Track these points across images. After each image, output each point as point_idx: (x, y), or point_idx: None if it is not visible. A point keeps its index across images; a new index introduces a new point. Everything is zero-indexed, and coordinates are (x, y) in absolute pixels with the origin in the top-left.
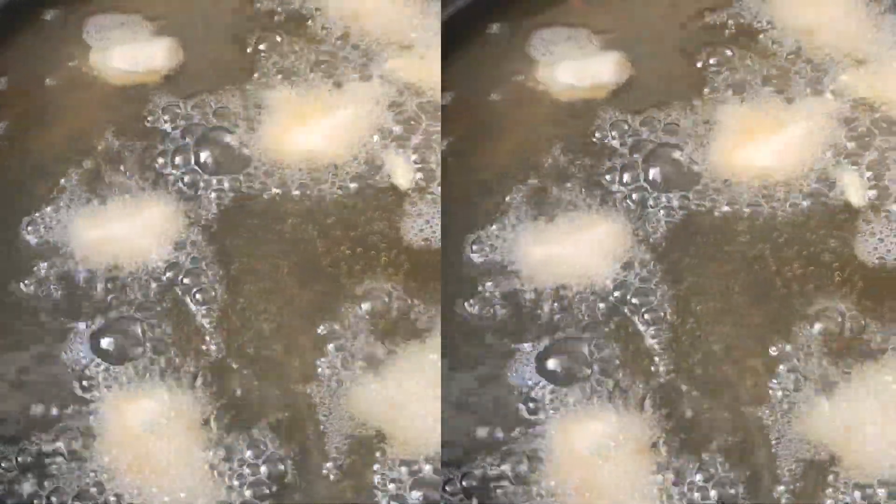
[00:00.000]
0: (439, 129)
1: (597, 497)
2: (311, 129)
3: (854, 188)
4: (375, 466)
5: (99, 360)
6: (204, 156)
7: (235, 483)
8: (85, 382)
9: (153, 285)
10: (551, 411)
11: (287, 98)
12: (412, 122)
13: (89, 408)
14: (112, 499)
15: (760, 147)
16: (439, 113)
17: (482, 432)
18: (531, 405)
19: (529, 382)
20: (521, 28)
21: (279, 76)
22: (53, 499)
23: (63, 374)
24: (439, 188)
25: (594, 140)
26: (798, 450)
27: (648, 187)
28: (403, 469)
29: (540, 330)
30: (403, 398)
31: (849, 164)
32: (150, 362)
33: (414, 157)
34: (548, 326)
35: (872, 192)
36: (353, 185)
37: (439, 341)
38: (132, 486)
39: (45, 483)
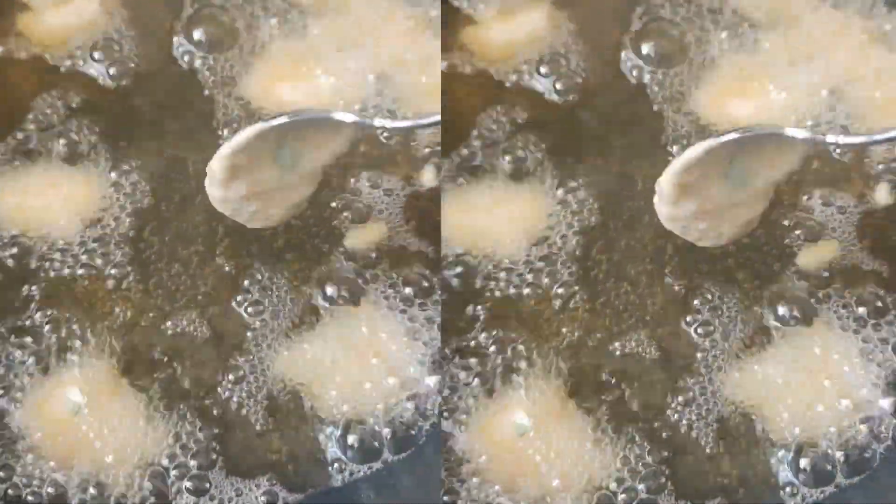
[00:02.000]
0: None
1: (525, 475)
2: (283, 89)
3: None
4: (311, 428)
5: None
6: (134, 120)
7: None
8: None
9: (79, 256)
10: (469, 394)
11: (235, 63)
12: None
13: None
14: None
15: (705, 106)
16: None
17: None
18: (452, 382)
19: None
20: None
21: (220, 39)
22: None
23: None
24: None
25: (530, 100)
26: (723, 410)
27: (580, 149)
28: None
29: (465, 301)
30: (335, 361)
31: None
32: (70, 340)
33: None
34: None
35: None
36: None
37: (371, 309)
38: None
39: None
